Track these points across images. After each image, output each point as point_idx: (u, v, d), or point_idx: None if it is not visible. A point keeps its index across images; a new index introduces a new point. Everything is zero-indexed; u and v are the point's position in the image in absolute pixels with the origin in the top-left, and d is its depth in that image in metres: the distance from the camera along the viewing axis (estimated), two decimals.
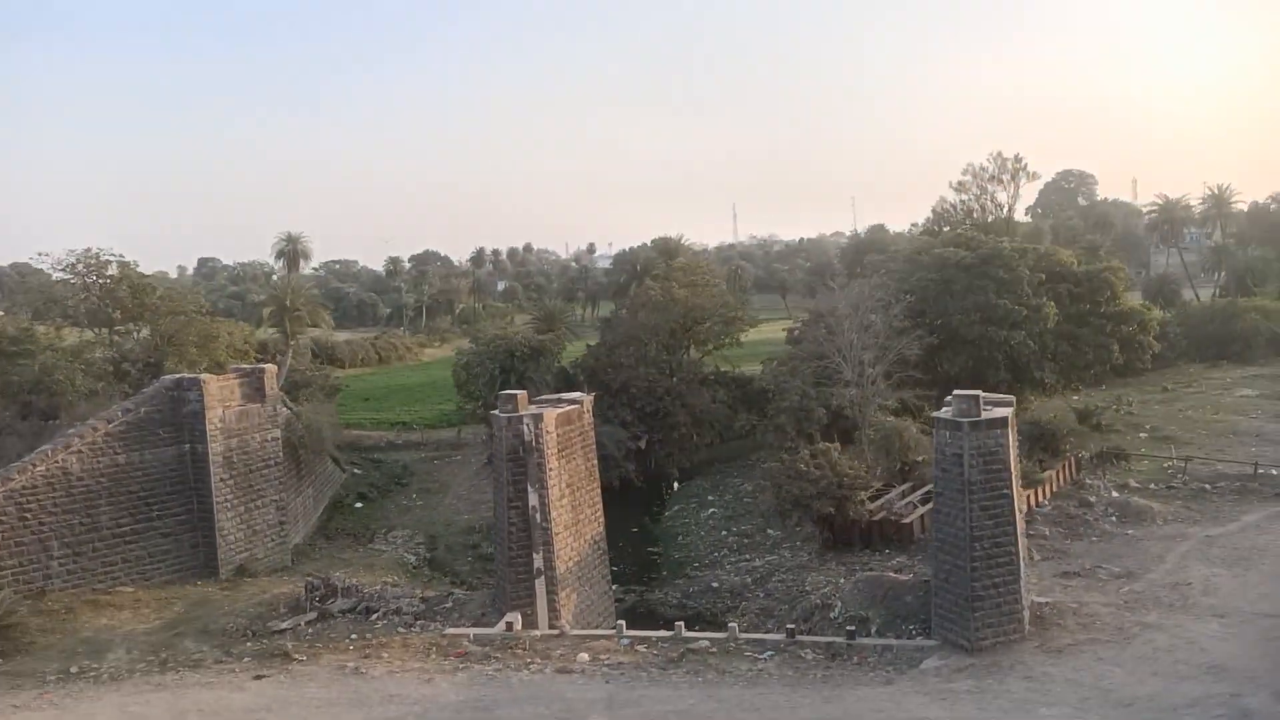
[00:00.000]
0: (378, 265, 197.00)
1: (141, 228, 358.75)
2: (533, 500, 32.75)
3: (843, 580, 36.31)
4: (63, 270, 57.29)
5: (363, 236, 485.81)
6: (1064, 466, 46.90)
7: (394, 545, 47.22)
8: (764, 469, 49.36)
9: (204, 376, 40.18)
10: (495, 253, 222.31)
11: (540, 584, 32.66)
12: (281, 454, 42.69)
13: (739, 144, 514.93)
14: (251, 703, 25.76)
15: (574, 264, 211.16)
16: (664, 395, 62.56)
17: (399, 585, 38.35)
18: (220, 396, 39.57)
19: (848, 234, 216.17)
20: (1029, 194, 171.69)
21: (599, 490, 37.98)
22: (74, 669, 28.37)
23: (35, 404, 45.84)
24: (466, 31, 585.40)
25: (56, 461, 36.08)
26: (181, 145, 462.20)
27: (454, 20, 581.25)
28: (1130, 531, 39.97)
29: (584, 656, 28.20)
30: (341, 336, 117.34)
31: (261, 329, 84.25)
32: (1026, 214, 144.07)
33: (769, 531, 47.80)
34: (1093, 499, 43.35)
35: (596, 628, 33.53)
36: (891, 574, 34.55)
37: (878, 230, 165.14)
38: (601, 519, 37.81)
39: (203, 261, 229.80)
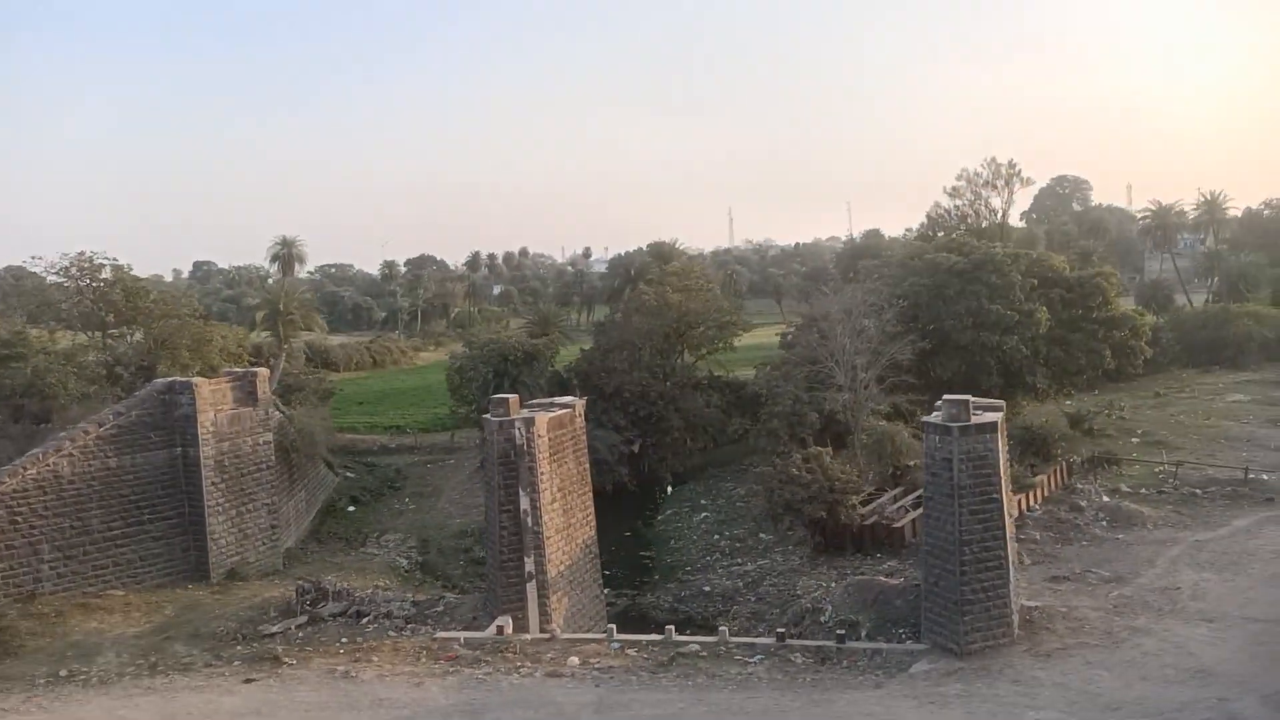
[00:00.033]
0: (373, 269, 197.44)
1: (137, 231, 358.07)
2: (524, 504, 32.80)
3: (834, 584, 36.42)
4: (56, 274, 57.19)
5: (359, 240, 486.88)
6: (1055, 471, 47.05)
7: (386, 549, 47.19)
8: (756, 473, 49.48)
9: (196, 380, 40.16)
10: (491, 257, 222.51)
11: (531, 588, 32.70)
12: (274, 458, 42.66)
13: (736, 147, 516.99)
14: (241, 706, 25.75)
15: (570, 268, 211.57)
16: (657, 399, 62.67)
17: (390, 589, 38.36)
18: (212, 400, 39.53)
19: (843, 238, 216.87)
20: (1024, 199, 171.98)
21: (591, 494, 38.05)
22: (63, 672, 28.31)
23: (27, 407, 45.76)
24: (463, 35, 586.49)
25: (47, 465, 36.02)
26: (176, 148, 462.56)
27: (451, 24, 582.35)
28: (1120, 536, 40.07)
29: (574, 660, 28.24)
30: (336, 340, 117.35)
31: (255, 332, 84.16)
32: (1021, 219, 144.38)
33: (761, 536, 47.84)
34: (1084, 503, 43.49)
35: (588, 631, 33.56)
36: (882, 578, 34.59)
37: (873, 235, 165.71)
38: (593, 523, 37.88)
39: (198, 265, 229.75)
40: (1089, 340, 61.90)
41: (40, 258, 58.37)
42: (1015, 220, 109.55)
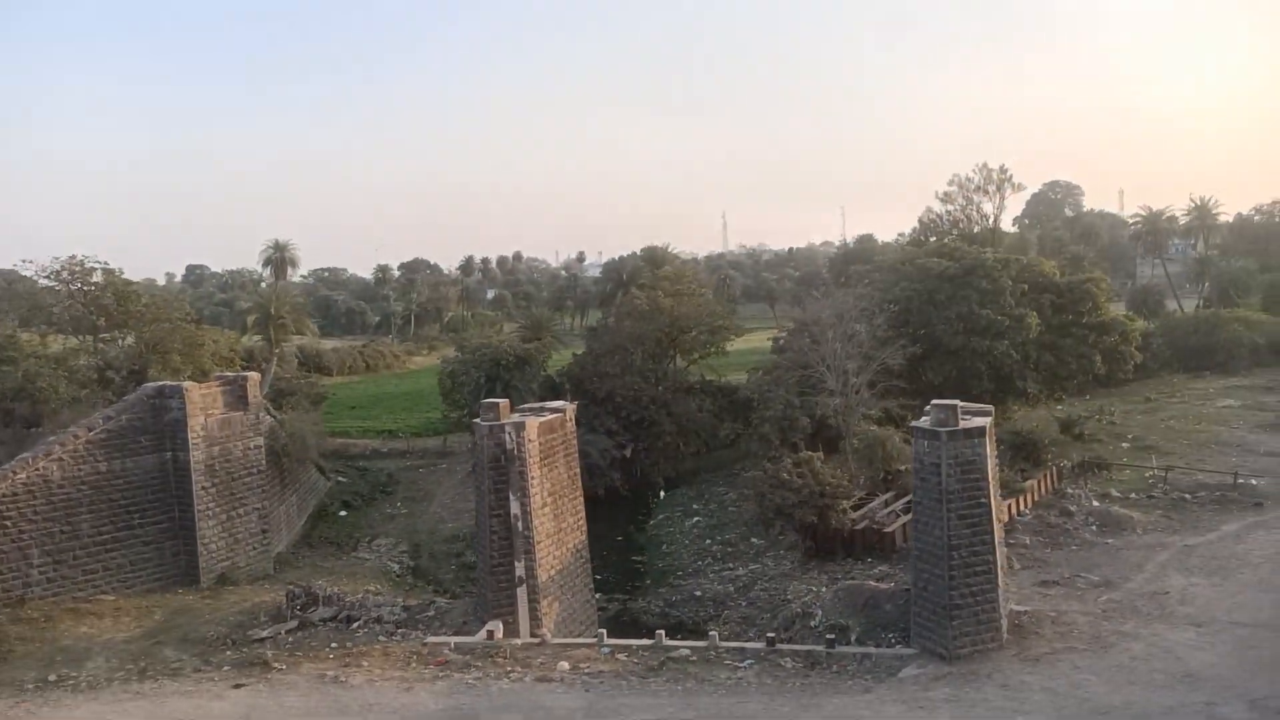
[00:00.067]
0: (367, 273, 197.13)
1: (130, 234, 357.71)
2: (514, 508, 32.82)
3: (824, 589, 36.48)
4: (47, 277, 57.09)
5: (352, 244, 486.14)
6: (1045, 476, 47.19)
7: (377, 554, 47.18)
8: (747, 478, 49.51)
9: (186, 384, 40.07)
10: (485, 261, 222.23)
11: (522, 592, 32.71)
12: (264, 462, 42.63)
13: (731, 149, 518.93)
14: (230, 711, 25.72)
15: (564, 272, 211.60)
16: (649, 404, 62.73)
17: (381, 594, 38.37)
18: (202, 404, 39.50)
19: (837, 243, 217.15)
20: (1016, 204, 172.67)
21: (581, 499, 38.07)
22: (52, 677, 28.24)
23: (18, 411, 45.67)
24: (459, 39, 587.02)
25: (37, 469, 35.96)
26: (170, 151, 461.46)
27: (448, 28, 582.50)
28: (1110, 541, 40.23)
29: (564, 665, 28.23)
30: (329, 344, 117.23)
31: (246, 337, 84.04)
32: (1014, 224, 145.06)
33: (753, 540, 47.87)
34: (1073, 508, 43.62)
35: (578, 636, 33.57)
36: (872, 583, 34.68)
37: (866, 240, 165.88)
38: (584, 527, 37.89)
39: (191, 269, 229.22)
40: (1079, 345, 62.14)
41: (31, 261, 58.29)
42: (1007, 225, 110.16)
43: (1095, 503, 44.62)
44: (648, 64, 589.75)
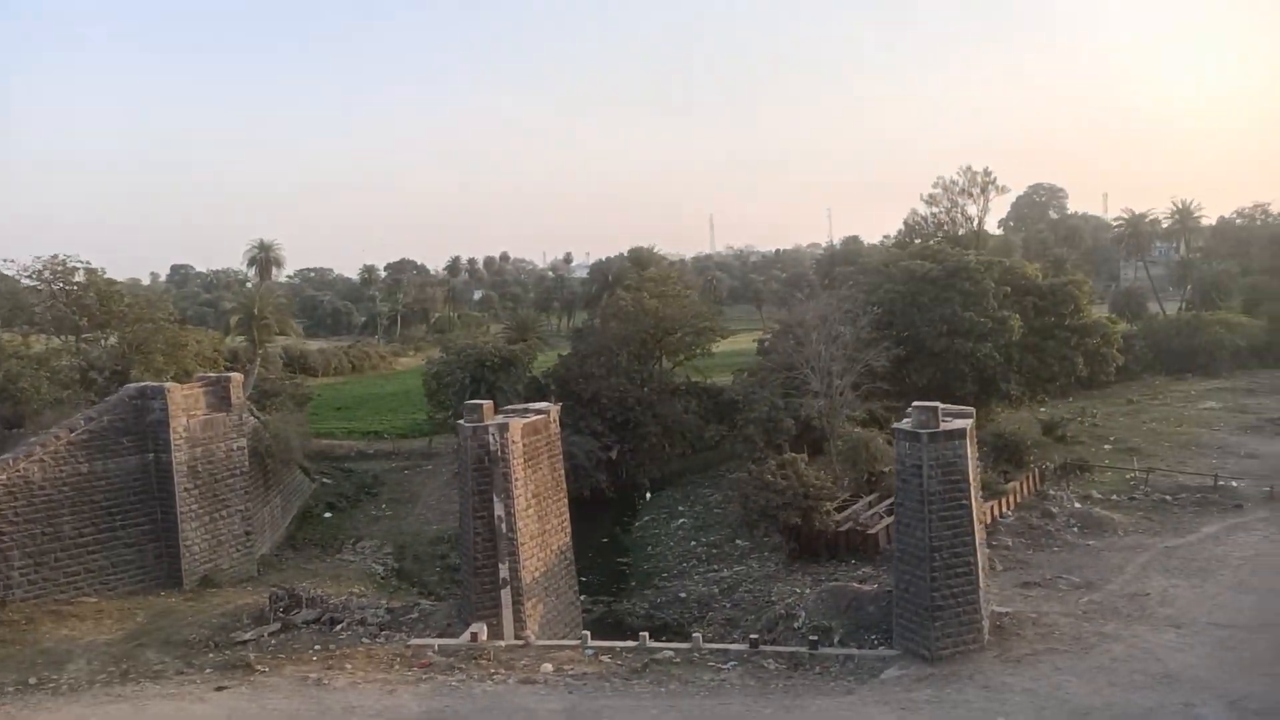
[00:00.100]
0: (353, 273, 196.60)
1: (115, 234, 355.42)
2: (498, 510, 32.80)
3: (808, 590, 36.62)
4: (29, 277, 56.71)
5: (339, 245, 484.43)
6: (1028, 478, 47.50)
7: (362, 555, 47.02)
8: (732, 479, 49.63)
9: (168, 385, 39.88)
10: (471, 261, 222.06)
11: (506, 594, 32.69)
12: (247, 463, 42.46)
13: (719, 151, 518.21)
14: (212, 714, 25.66)
15: (550, 273, 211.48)
16: (635, 405, 62.79)
17: (365, 596, 38.26)
18: (185, 405, 39.32)
19: (824, 245, 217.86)
20: (1001, 207, 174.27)
21: (566, 500, 38.06)
22: (32, 680, 28.06)
23: None
24: (449, 39, 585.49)
25: (18, 470, 35.72)
26: (156, 149, 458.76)
27: (435, 28, 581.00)
28: (1091, 542, 40.51)
29: (548, 667, 28.26)
30: (315, 345, 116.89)
31: (229, 337, 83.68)
32: (999, 227, 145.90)
33: (737, 542, 48.00)
34: (1055, 510, 43.90)
35: (563, 638, 33.57)
36: (855, 584, 34.84)
37: (852, 242, 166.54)
38: (568, 529, 37.88)
39: (175, 268, 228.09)
40: (1061, 347, 62.51)
41: (12, 260, 57.92)
42: (993, 228, 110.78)
43: (1077, 504, 44.93)
44: (639, 64, 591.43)
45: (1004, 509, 44.04)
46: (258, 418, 49.94)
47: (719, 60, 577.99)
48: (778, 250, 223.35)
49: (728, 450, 60.56)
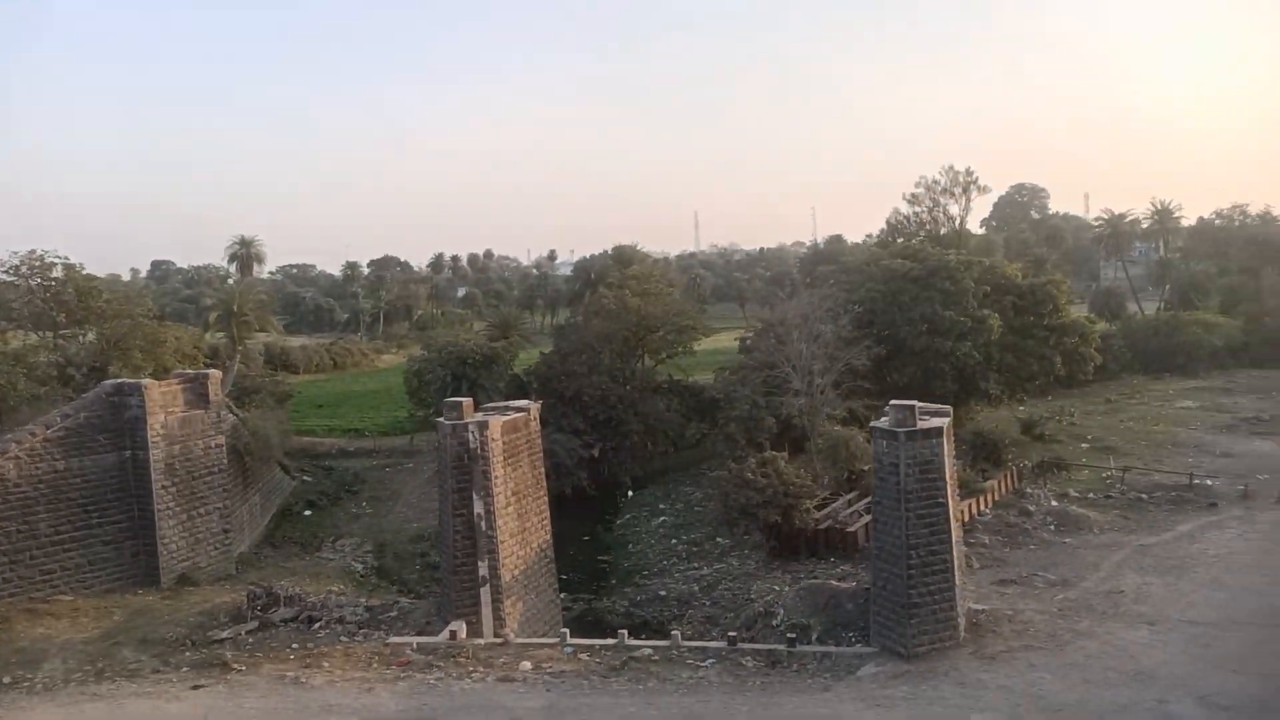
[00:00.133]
0: (336, 270, 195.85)
1: (97, 229, 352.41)
2: (478, 508, 32.81)
3: (787, 588, 36.75)
4: (6, 272, 56.36)
5: (322, 241, 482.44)
6: (1006, 476, 47.85)
7: (341, 553, 46.89)
8: (712, 477, 49.77)
9: (145, 382, 39.65)
10: (455, 259, 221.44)
11: (485, 592, 32.70)
12: (226, 461, 42.25)
13: (704, 148, 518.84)
14: (188, 713, 25.57)
15: (535, 271, 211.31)
16: (617, 403, 62.80)
17: (344, 594, 38.15)
18: (162, 402, 39.09)
19: (808, 243, 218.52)
20: (983, 207, 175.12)
21: (546, 498, 38.08)
22: (7, 679, 27.86)
23: None
24: (431, 38, 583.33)
25: None
26: (137, 144, 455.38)
27: (415, 23, 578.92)
28: (1068, 540, 40.83)
29: (526, 665, 28.30)
30: (296, 342, 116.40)
31: (209, 334, 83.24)
32: (981, 226, 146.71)
33: (718, 540, 48.10)
34: (1032, 508, 44.23)
35: (542, 636, 33.62)
36: (833, 582, 35.00)
37: (836, 240, 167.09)
38: (549, 527, 37.92)
39: (156, 264, 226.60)
40: (1040, 347, 63.01)
41: None
42: (976, 228, 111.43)
43: (1054, 502, 45.29)
44: (625, 61, 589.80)
45: (982, 507, 44.34)
46: (237, 415, 49.73)
47: (706, 57, 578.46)
48: (762, 249, 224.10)
49: (709, 448, 60.74)
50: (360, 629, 32.34)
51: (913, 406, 29.56)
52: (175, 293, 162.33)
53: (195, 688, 27.14)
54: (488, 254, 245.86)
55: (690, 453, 65.32)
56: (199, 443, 40.63)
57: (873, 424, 31.16)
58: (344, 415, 78.84)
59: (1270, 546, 38.68)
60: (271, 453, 51.47)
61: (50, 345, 55.47)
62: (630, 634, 31.35)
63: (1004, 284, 64.14)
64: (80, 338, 56.40)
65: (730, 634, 31.19)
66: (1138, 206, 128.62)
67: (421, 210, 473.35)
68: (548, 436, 48.12)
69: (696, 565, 45.92)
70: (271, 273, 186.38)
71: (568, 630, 32.60)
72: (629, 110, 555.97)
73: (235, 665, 28.67)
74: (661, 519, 55.10)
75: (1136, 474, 49.93)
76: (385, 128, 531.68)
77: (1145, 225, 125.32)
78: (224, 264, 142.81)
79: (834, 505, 45.28)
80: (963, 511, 38.14)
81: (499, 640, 30.95)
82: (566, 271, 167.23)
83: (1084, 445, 57.68)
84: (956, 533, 30.03)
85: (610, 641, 30.47)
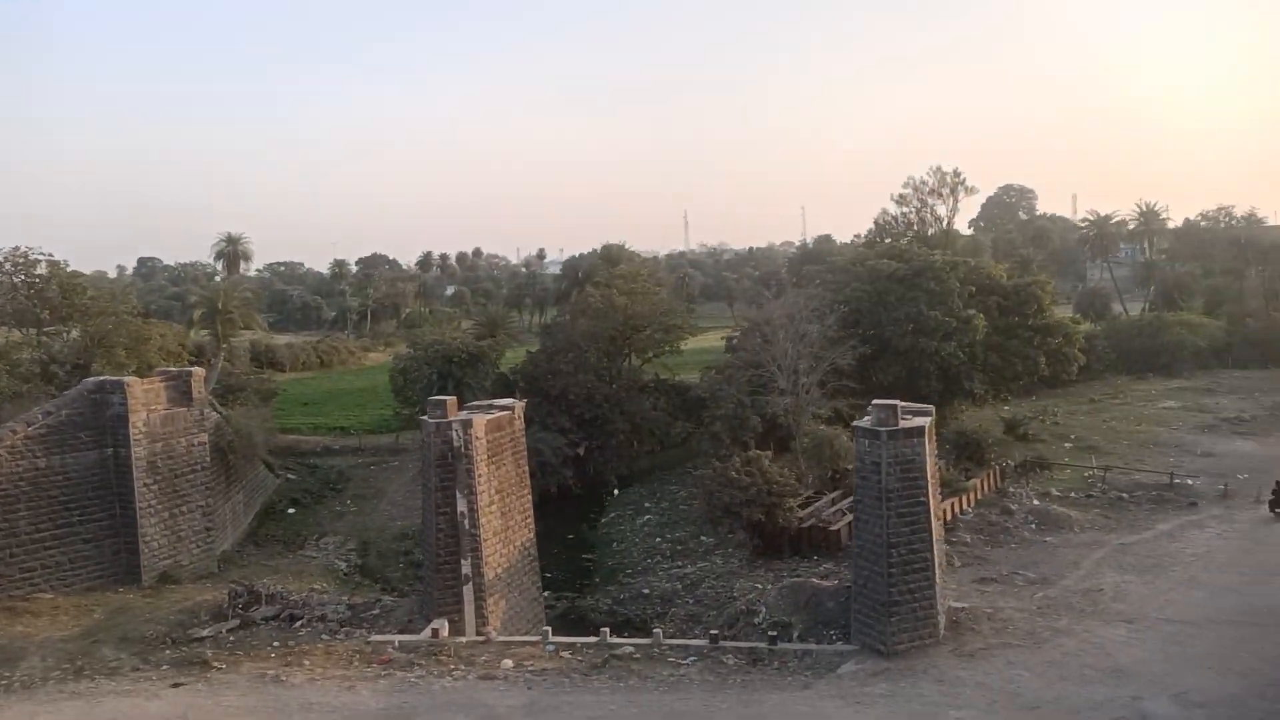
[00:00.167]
0: (324, 267, 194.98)
1: (83, 226, 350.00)
2: (461, 506, 32.81)
3: (769, 586, 36.86)
4: None
5: (310, 238, 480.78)
6: (989, 475, 48.08)
7: (325, 552, 46.80)
8: (697, 476, 49.86)
9: (128, 379, 39.53)
10: (443, 257, 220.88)
11: (468, 590, 32.71)
12: (209, 459, 42.14)
13: (694, 147, 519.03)
14: (167, 711, 25.49)
15: (523, 269, 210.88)
16: (603, 402, 62.83)
17: (327, 592, 38.13)
18: (145, 400, 38.95)
19: (797, 243, 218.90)
20: (971, 207, 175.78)
21: (530, 497, 38.08)
22: None
23: None
24: (421, 35, 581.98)
25: None
26: (124, 140, 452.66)
27: (404, 22, 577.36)
28: (1048, 539, 41.10)
29: (508, 663, 28.32)
30: (283, 339, 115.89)
31: (194, 331, 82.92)
32: (969, 227, 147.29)
33: (702, 538, 48.20)
34: (1014, 507, 44.47)
35: (525, 634, 33.63)
36: (815, 580, 35.13)
37: (824, 240, 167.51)
38: (532, 525, 37.93)
39: (142, 261, 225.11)
40: (1025, 347, 63.32)
41: None
42: (963, 228, 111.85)
43: (1036, 501, 45.53)
44: (616, 60, 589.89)
45: (964, 506, 44.55)
46: (220, 413, 49.58)
47: (698, 56, 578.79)
48: (751, 248, 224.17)
49: (695, 447, 60.82)
50: (342, 627, 32.35)
51: (895, 406, 29.70)
52: (161, 290, 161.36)
53: (175, 686, 27.11)
54: (476, 252, 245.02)
55: (676, 452, 65.37)
56: (182, 440, 40.51)
57: (855, 423, 31.30)
58: (330, 413, 78.52)
59: (1249, 545, 39.02)
60: (255, 450, 51.28)
61: (34, 342, 55.26)
62: (613, 632, 31.44)
63: (989, 284, 64.44)
64: (64, 335, 56.20)
65: (712, 632, 31.30)
66: (1124, 208, 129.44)
67: (410, 208, 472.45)
68: (533, 435, 48.14)
69: (680, 564, 46.00)
70: (259, 270, 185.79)
71: (550, 628, 32.64)
72: (621, 109, 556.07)
73: (215, 663, 28.62)
74: (646, 517, 55.16)
75: (1118, 473, 50.26)
76: (374, 125, 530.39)
77: (1131, 227, 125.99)
78: (211, 261, 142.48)
79: (818, 504, 45.43)
80: (945, 510, 38.32)
81: (481, 638, 30.95)
82: (556, 270, 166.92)
83: (1067, 445, 58.00)
84: (937, 531, 30.18)
85: (592, 639, 30.52)
